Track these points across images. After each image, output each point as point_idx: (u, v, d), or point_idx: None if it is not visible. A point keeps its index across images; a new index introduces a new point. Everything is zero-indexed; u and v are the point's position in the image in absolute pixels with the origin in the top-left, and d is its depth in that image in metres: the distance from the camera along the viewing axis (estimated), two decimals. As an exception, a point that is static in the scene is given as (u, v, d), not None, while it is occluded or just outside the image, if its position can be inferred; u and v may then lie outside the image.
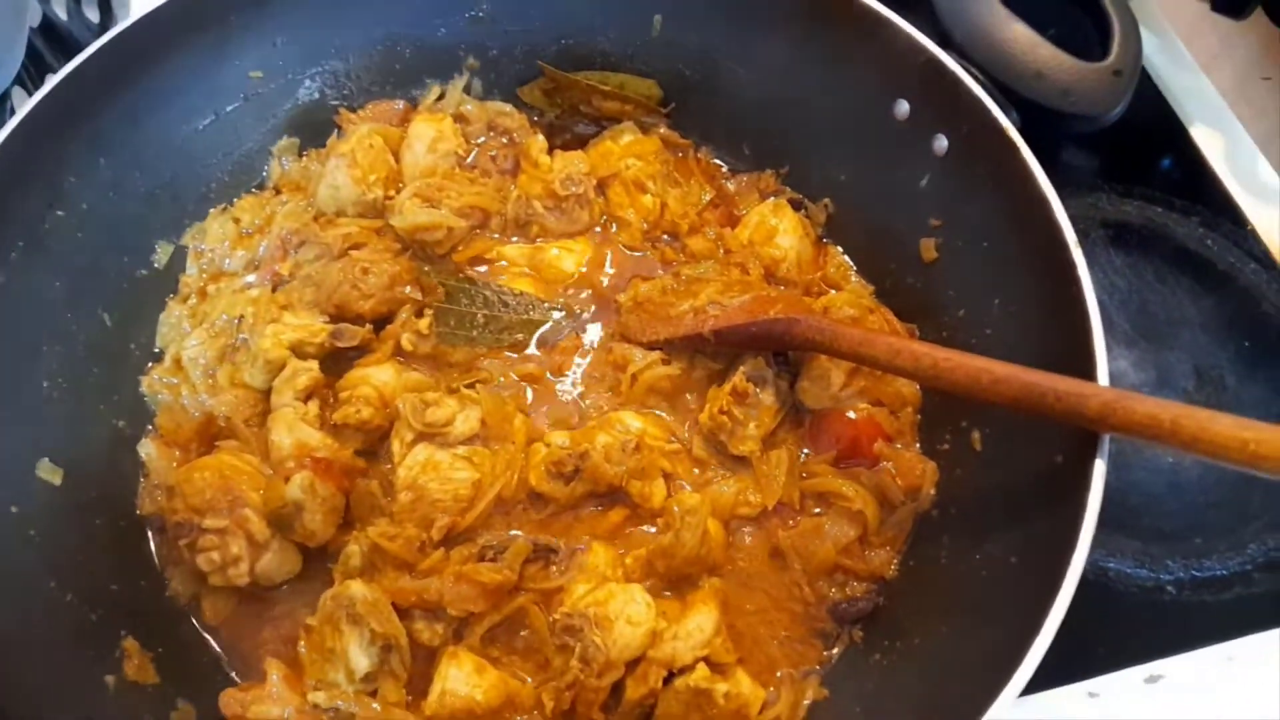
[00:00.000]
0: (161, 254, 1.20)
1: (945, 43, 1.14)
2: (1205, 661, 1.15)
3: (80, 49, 1.67)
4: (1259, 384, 1.35)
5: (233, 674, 1.05)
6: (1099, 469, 0.86)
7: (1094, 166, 1.58)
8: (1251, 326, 1.40)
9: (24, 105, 1.02)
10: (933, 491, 1.11)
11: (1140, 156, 1.58)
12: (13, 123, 1.01)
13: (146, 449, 1.12)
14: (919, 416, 1.17)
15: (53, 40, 1.61)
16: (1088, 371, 0.94)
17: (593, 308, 1.26)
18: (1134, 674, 1.14)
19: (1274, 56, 2.05)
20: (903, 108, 1.18)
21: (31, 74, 1.55)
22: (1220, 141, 1.60)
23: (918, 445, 1.16)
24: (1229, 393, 1.35)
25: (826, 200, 1.31)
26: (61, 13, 1.66)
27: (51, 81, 1.04)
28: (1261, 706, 1.10)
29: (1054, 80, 1.09)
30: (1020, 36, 1.12)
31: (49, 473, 1.02)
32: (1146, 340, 1.39)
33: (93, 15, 1.78)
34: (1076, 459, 0.90)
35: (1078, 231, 1.00)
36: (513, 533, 1.09)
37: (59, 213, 1.07)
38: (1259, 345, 1.38)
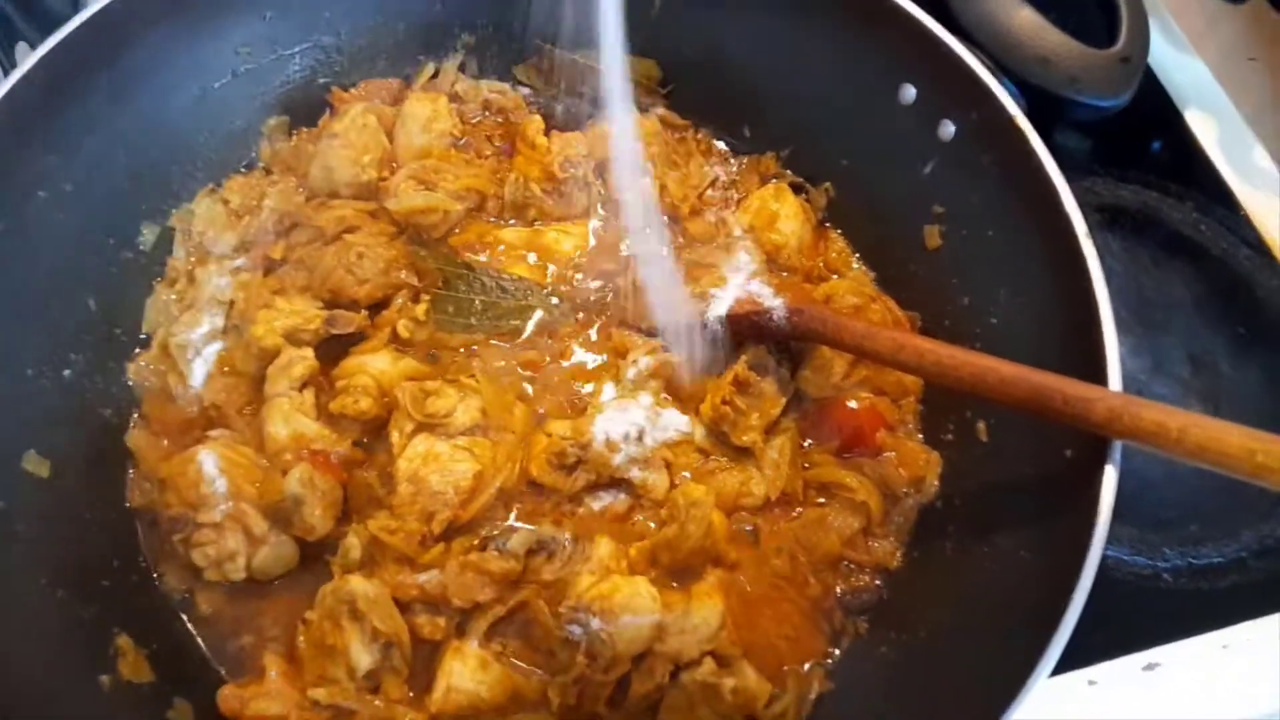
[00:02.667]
0: (148, 236, 1.16)
1: (951, 26, 1.12)
2: (1202, 649, 1.16)
3: (51, 14, 1.62)
4: (1253, 370, 1.36)
5: (222, 671, 1.02)
6: (1110, 474, 0.86)
7: (1089, 150, 1.57)
8: (1246, 312, 1.40)
9: (3, 83, 0.97)
10: (936, 482, 1.11)
11: (1135, 140, 1.58)
12: (-8, 101, 0.96)
13: (134, 439, 1.09)
14: (921, 406, 1.17)
15: (22, 6, 1.55)
16: (1097, 366, 0.93)
17: (592, 293, 1.23)
18: (1132, 662, 1.15)
19: (1260, 37, 2.04)
20: (909, 92, 1.16)
21: (1, 41, 1.48)
22: (1214, 126, 1.59)
23: (920, 435, 1.15)
24: (1224, 379, 1.35)
25: (828, 184, 1.29)
26: (31, -23, 1.60)
27: (33, 58, 0.99)
28: (1257, 693, 1.11)
29: (1061, 67, 1.08)
30: (1027, 22, 1.11)
31: (35, 465, 0.99)
32: (1142, 326, 1.39)
33: (63, -19, 1.72)
34: (1087, 455, 0.89)
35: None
36: (513, 524, 1.08)
37: (41, 194, 1.03)
38: (1253, 331, 1.39)
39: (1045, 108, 1.10)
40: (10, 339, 1.00)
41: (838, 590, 1.08)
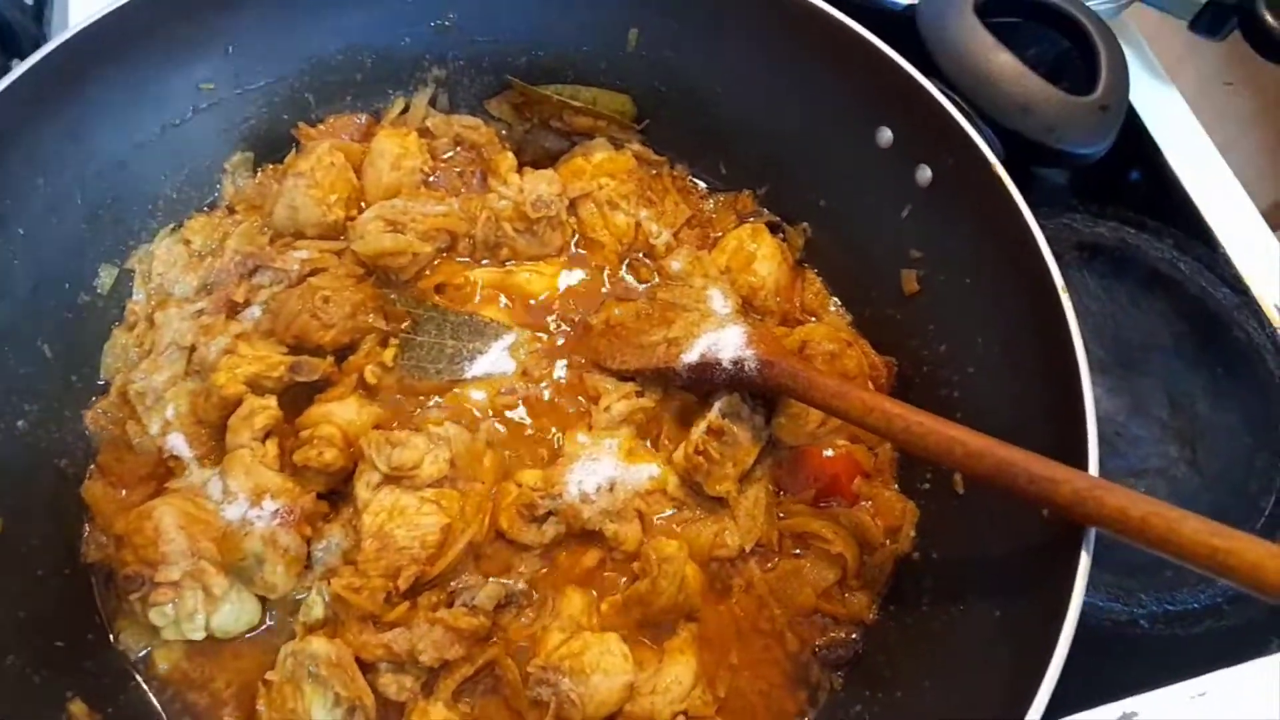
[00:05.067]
0: (105, 278, 1.13)
1: (930, 70, 1.11)
2: (1177, 698, 1.15)
3: (13, 35, 1.58)
4: (1231, 412, 1.35)
5: (184, 733, 1.00)
6: (1084, 560, 0.84)
7: (1067, 185, 1.56)
8: (1224, 353, 1.39)
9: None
10: (913, 533, 1.09)
11: (1114, 175, 1.57)
12: (-58, 145, 0.93)
13: (91, 490, 1.06)
14: (898, 454, 1.15)
15: (-16, 25, 1.50)
16: (1074, 421, 0.92)
17: (565, 334, 1.21)
18: (1108, 712, 1.14)
19: (1237, 63, 2.05)
20: (885, 135, 1.15)
21: (-39, 66, 1.44)
22: (1192, 162, 1.59)
23: (897, 484, 1.14)
24: (1201, 420, 1.35)
25: (805, 224, 1.28)
26: (-6, -4, 1.56)
27: (-16, 98, 0.96)
28: (1232, 746, 1.10)
29: (1040, 115, 1.06)
30: (1007, 67, 1.09)
31: (-13, 522, 0.95)
32: (1120, 366, 1.38)
33: (29, -2, 1.68)
34: (1063, 519, 0.88)
35: (1052, 254, 0.98)
36: (482, 578, 1.05)
37: (-8, 239, 1.00)
38: (1231, 372, 1.38)
39: (1024, 153, 1.09)
40: (-39, 393, 0.96)
41: (815, 644, 1.06)
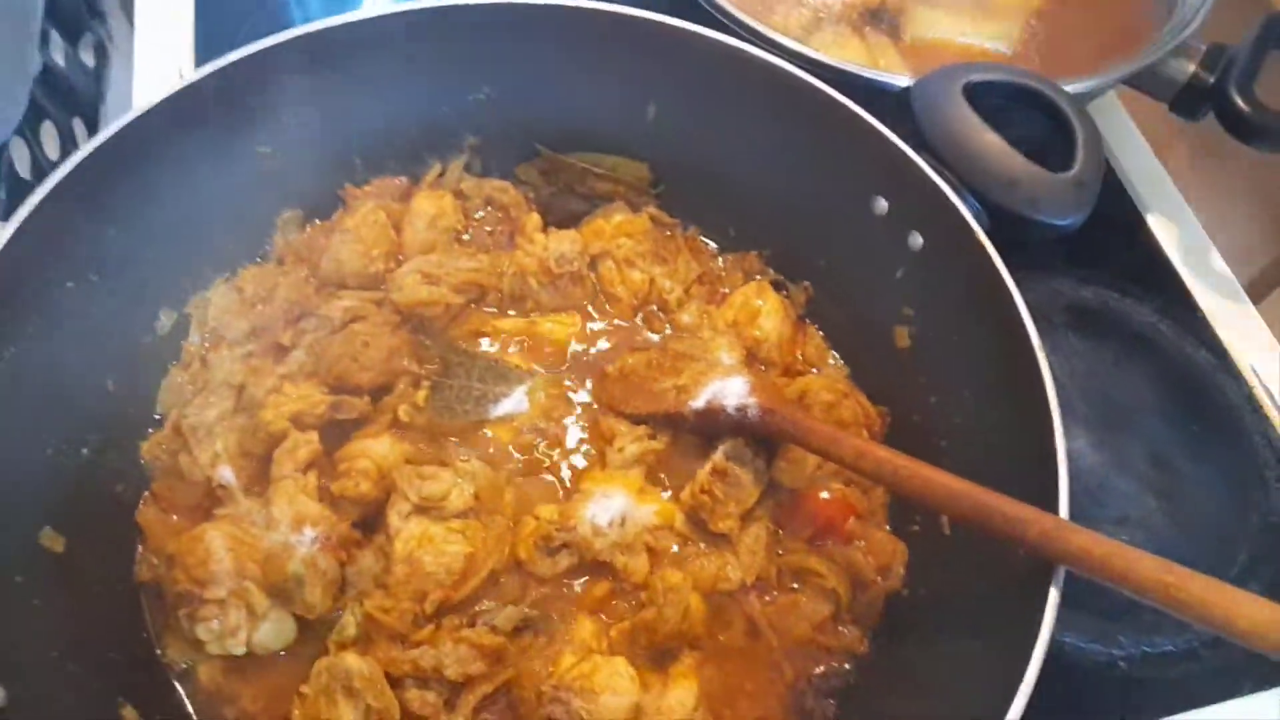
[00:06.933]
0: (166, 321, 1.23)
1: (922, 146, 1.21)
2: (1154, 738, 1.21)
3: (75, 94, 1.71)
4: (1208, 468, 1.43)
5: (223, 741, 1.08)
6: (1058, 574, 0.91)
7: (1056, 251, 1.67)
8: (1202, 412, 1.48)
9: (44, 184, 1.04)
10: (903, 571, 1.17)
11: (1100, 243, 1.67)
12: (34, 200, 1.03)
13: (144, 515, 1.15)
14: (889, 496, 1.23)
15: (49, 86, 1.63)
16: (1047, 467, 1.00)
17: (582, 381, 1.31)
18: (1088, 753, 1.20)
19: (1227, 138, 2.15)
20: (881, 204, 1.25)
21: (29, 121, 1.55)
22: (1175, 231, 1.69)
23: (888, 525, 1.22)
24: (1181, 475, 1.43)
25: (807, 283, 1.38)
26: (60, 59, 1.69)
27: (72, 160, 1.06)
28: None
29: (1024, 189, 1.16)
30: (993, 146, 1.19)
31: (51, 540, 1.04)
32: (1105, 423, 1.47)
33: (89, 60, 1.82)
34: (1035, 557, 0.96)
35: (1040, 315, 1.07)
36: (501, 604, 1.13)
37: (69, 284, 1.10)
38: (1208, 430, 1.47)
39: (1008, 223, 1.19)
40: (37, 421, 1.06)
41: (813, 672, 1.13)
